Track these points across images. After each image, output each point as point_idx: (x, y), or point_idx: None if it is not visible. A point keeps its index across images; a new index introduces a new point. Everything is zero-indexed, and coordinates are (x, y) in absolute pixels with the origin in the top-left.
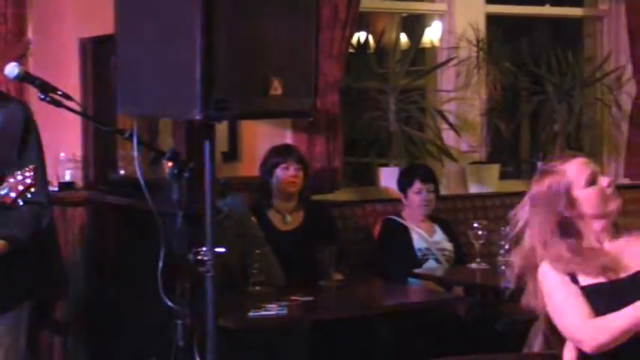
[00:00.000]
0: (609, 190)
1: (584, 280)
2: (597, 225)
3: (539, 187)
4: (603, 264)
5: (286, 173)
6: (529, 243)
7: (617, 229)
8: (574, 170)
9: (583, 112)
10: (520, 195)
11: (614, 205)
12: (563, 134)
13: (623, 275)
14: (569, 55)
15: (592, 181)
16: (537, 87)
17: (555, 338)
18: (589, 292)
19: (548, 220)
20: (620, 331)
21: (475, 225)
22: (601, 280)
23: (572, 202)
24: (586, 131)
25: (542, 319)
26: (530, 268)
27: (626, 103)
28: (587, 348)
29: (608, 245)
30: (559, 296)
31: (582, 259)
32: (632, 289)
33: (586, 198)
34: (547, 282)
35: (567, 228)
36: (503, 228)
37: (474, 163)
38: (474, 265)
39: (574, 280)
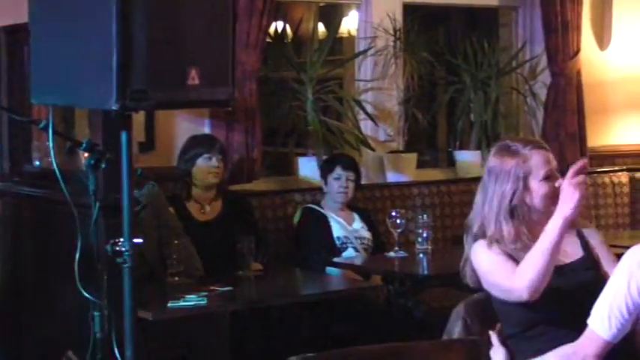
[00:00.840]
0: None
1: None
2: (538, 218)
3: (499, 162)
4: None
5: (208, 164)
6: (475, 215)
7: None
8: (537, 161)
9: (499, 101)
10: (437, 184)
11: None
12: (480, 123)
13: (558, 264)
14: (485, 44)
15: (548, 177)
16: (454, 76)
17: (475, 324)
18: None
19: (499, 197)
20: (541, 263)
21: (393, 214)
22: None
23: (527, 190)
24: (502, 120)
25: (461, 305)
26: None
27: (541, 93)
28: (525, 294)
29: None
30: (487, 263)
31: (522, 246)
32: (568, 273)
33: (539, 191)
34: (477, 257)
35: (513, 212)
36: (420, 216)
37: (392, 152)
38: (392, 254)
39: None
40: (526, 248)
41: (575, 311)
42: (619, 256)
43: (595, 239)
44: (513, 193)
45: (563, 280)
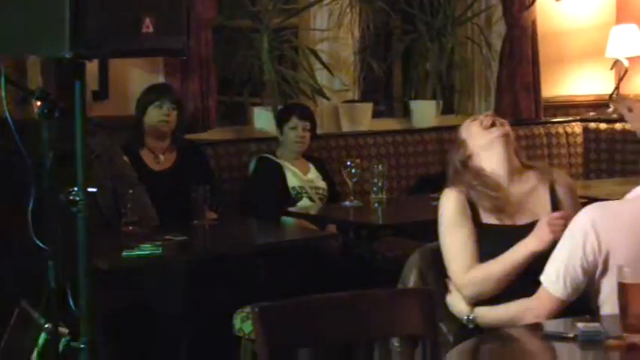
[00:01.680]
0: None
1: (482, 217)
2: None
3: (465, 124)
4: (502, 205)
5: (159, 112)
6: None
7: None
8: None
9: (454, 52)
10: (392, 133)
11: (495, 133)
12: (435, 73)
13: (519, 222)
14: None
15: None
16: (409, 26)
17: (430, 273)
18: (482, 232)
19: (459, 153)
20: (492, 284)
21: (348, 163)
22: (496, 222)
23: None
24: (457, 70)
25: (416, 254)
26: None
27: (496, 43)
28: (466, 298)
29: (513, 189)
30: (450, 237)
31: (486, 189)
32: (522, 237)
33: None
34: (445, 210)
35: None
36: (376, 166)
37: (347, 102)
38: (347, 203)
39: (474, 213)
40: (488, 196)
41: (534, 268)
42: None
43: (566, 195)
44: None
45: (518, 241)
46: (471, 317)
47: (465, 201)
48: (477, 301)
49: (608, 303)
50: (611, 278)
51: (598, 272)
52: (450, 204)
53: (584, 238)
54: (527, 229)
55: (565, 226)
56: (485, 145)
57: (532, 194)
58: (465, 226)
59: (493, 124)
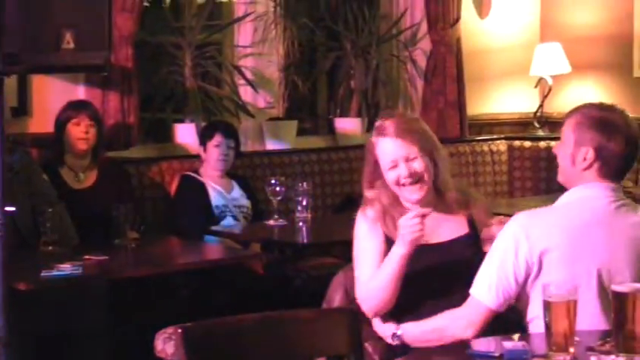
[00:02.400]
0: (407, 181)
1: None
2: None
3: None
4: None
5: (77, 129)
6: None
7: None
8: (385, 148)
9: (379, 69)
10: (317, 151)
11: (412, 195)
12: (360, 90)
13: (435, 240)
14: (365, 11)
15: (393, 166)
16: (334, 43)
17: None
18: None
19: (370, 166)
20: (378, 290)
21: (272, 181)
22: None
23: (379, 173)
24: (382, 87)
25: (341, 273)
26: None
27: (421, 60)
28: (367, 313)
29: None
30: (358, 247)
31: (396, 211)
32: (443, 251)
33: (387, 179)
34: (355, 230)
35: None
36: (300, 184)
37: (272, 119)
38: (271, 222)
39: (390, 232)
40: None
41: (448, 288)
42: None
43: (482, 216)
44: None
45: (437, 258)
46: (398, 333)
47: (376, 219)
48: (397, 318)
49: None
50: (539, 278)
51: (530, 279)
52: (360, 223)
53: (515, 245)
54: (445, 247)
55: (422, 224)
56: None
57: (450, 214)
58: (371, 242)
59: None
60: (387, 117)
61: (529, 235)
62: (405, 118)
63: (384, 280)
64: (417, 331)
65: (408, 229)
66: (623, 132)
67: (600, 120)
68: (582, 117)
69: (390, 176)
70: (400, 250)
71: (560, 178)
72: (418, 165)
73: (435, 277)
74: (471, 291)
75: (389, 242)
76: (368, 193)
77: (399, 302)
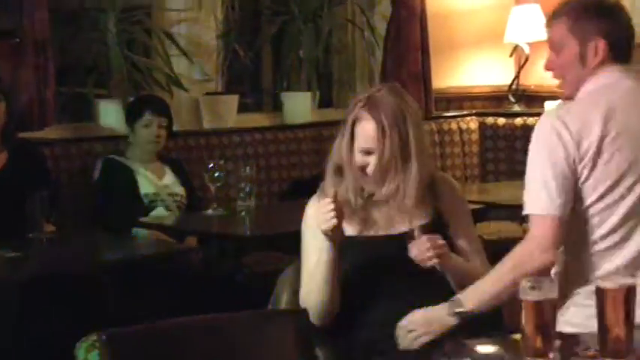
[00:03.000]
0: (369, 170)
1: (346, 229)
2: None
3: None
4: (362, 216)
5: None
6: None
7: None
8: (362, 129)
9: (332, 35)
10: (262, 131)
11: (371, 188)
12: (310, 60)
13: (380, 233)
14: None
15: (365, 152)
16: (281, 6)
17: None
18: (344, 245)
19: (346, 140)
20: (314, 291)
21: (211, 165)
22: (356, 233)
23: (348, 156)
24: (336, 56)
25: (290, 269)
26: None
27: (380, 26)
28: (311, 319)
29: (381, 195)
30: (304, 242)
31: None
32: (381, 248)
33: (350, 162)
34: (305, 216)
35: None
36: (242, 168)
37: (209, 94)
38: (209, 212)
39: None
40: (349, 206)
41: (410, 282)
42: (474, 214)
43: (450, 201)
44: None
45: (390, 251)
46: (458, 310)
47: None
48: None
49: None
50: (597, 166)
51: (582, 179)
52: (309, 212)
53: (557, 136)
54: (397, 240)
55: (336, 210)
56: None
57: (398, 211)
58: (316, 238)
59: None
60: (387, 88)
61: (566, 123)
62: (406, 97)
63: (317, 280)
64: (484, 296)
65: (323, 215)
66: (620, 8)
67: (599, 5)
68: (576, 11)
69: (357, 158)
70: (324, 244)
71: (568, 90)
72: (391, 164)
73: (388, 273)
74: (530, 211)
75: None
76: (330, 179)
77: (351, 303)
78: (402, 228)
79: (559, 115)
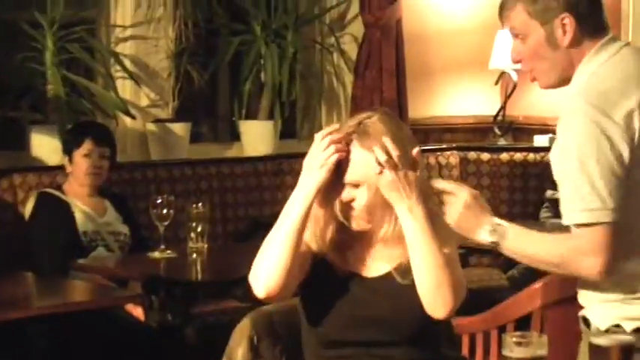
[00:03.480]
0: (357, 213)
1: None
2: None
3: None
4: (349, 256)
5: None
6: None
7: None
8: (357, 159)
9: (297, 58)
10: (217, 163)
11: (354, 224)
12: (273, 85)
13: (362, 274)
14: None
15: (354, 186)
16: (240, 24)
17: (265, 344)
18: None
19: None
20: (270, 252)
21: (159, 201)
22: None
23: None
24: (301, 82)
25: (247, 319)
26: None
27: (351, 48)
28: (256, 291)
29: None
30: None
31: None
32: (373, 290)
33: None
34: None
35: None
36: (195, 205)
37: (158, 121)
38: (156, 254)
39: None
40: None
41: (387, 340)
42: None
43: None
44: None
45: (367, 294)
46: (493, 238)
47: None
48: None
49: None
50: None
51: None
52: None
53: (599, 125)
54: (377, 282)
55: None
56: None
57: (384, 249)
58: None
59: None
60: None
61: (605, 111)
62: (399, 124)
63: (282, 233)
64: (522, 248)
65: (319, 155)
66: None
67: None
68: None
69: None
70: (309, 181)
71: (544, 79)
72: (380, 202)
73: (364, 320)
74: (573, 220)
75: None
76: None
77: (320, 337)
78: (380, 269)
79: (590, 106)
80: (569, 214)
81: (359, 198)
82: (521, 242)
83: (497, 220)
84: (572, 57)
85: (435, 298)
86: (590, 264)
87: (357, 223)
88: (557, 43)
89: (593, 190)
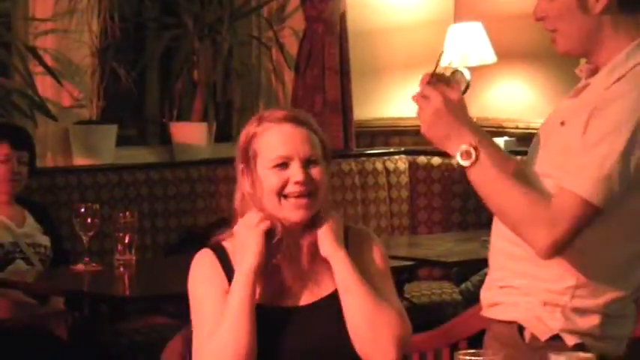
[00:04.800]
0: (296, 190)
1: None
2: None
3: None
4: (274, 286)
5: None
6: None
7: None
8: (273, 139)
9: (233, 55)
10: (146, 168)
11: (293, 215)
12: (206, 85)
13: (300, 303)
14: None
15: (281, 165)
16: (171, 18)
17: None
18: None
19: (241, 181)
20: (226, 340)
21: (82, 210)
22: (264, 302)
23: (253, 178)
24: (237, 80)
25: (178, 338)
26: None
27: (291, 44)
28: None
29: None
30: (195, 298)
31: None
32: (306, 320)
33: (265, 183)
34: (192, 272)
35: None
36: (122, 214)
37: (82, 123)
38: (80, 267)
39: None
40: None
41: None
42: (398, 272)
43: (368, 261)
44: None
45: (297, 326)
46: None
47: (218, 265)
48: None
49: None
50: None
51: None
52: (195, 267)
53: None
54: (310, 310)
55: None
56: None
57: (319, 266)
58: (211, 287)
59: None
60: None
61: None
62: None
63: (231, 324)
64: (489, 167)
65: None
66: None
67: None
68: None
69: (270, 179)
70: (244, 266)
71: (564, 44)
72: (317, 172)
73: (298, 351)
74: (568, 186)
75: None
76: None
77: None
78: (307, 298)
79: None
80: (575, 181)
81: (293, 172)
82: (487, 183)
83: (470, 136)
84: (603, 26)
85: (373, 351)
86: (541, 233)
87: (297, 207)
88: (588, 5)
89: (619, 175)
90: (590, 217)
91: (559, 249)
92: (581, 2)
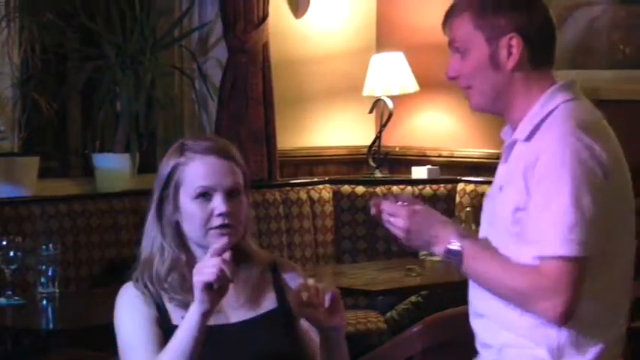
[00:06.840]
0: (219, 221)
1: (173, 317)
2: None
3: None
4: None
5: None
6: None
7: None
8: (198, 169)
9: (155, 85)
10: (68, 200)
11: (217, 243)
12: (129, 115)
13: (232, 320)
14: (136, 6)
15: (204, 195)
16: (92, 49)
17: None
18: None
19: (155, 215)
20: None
21: (4, 243)
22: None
23: (177, 206)
24: (160, 111)
25: None
26: None
27: (214, 74)
28: None
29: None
30: (121, 333)
31: (181, 287)
32: (239, 337)
33: (189, 213)
34: (118, 304)
35: (178, 237)
36: (44, 247)
37: (3, 155)
38: (2, 300)
39: (163, 316)
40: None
41: None
42: None
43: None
44: (159, 204)
45: (235, 343)
46: (452, 248)
47: (142, 298)
48: None
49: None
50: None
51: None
52: (120, 299)
53: (593, 154)
54: (246, 327)
55: (224, 264)
56: None
57: (249, 283)
58: (139, 321)
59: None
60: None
61: (600, 139)
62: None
63: (177, 357)
64: (476, 264)
65: (202, 270)
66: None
67: None
68: (482, 1)
69: (194, 212)
70: (197, 309)
71: (478, 99)
72: (240, 203)
73: None
74: (546, 252)
75: (165, 318)
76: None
77: None
78: (246, 314)
79: (578, 128)
80: (548, 245)
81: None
82: (479, 268)
83: (451, 236)
84: (515, 82)
85: None
86: (549, 304)
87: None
88: (500, 63)
89: (582, 222)
90: (584, 269)
91: (572, 312)
92: (493, 60)
